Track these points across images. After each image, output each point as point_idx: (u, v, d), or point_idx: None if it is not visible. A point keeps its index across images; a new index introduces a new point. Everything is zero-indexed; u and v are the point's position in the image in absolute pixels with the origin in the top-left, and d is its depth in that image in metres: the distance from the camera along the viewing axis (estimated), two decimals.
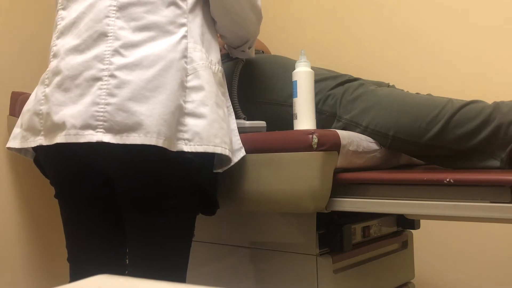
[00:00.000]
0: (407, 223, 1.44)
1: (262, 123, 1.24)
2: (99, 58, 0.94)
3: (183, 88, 0.96)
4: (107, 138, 0.90)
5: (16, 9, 1.81)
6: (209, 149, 0.96)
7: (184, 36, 1.00)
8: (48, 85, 0.99)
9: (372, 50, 1.94)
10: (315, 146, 1.02)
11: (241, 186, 1.11)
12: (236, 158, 1.07)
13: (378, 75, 1.63)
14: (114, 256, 1.09)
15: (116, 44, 0.95)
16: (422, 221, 1.53)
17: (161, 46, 0.96)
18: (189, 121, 0.96)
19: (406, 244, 1.46)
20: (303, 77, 1.16)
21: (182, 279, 1.04)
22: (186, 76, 0.97)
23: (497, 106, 1.13)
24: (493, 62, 1.69)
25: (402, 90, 1.34)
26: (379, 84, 1.39)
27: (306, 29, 2.12)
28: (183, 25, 1.01)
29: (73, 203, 1.08)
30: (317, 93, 1.23)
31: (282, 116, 1.29)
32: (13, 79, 1.78)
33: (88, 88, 0.93)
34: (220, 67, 1.10)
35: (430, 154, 1.19)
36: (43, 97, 1.00)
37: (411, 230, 1.49)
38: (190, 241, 1.07)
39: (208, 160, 1.01)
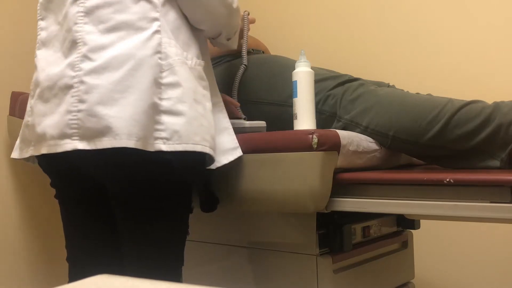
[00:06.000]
0: (407, 223, 1.44)
1: (262, 123, 1.24)
2: (71, 66, 0.94)
3: (158, 85, 0.94)
4: (82, 145, 0.91)
5: (17, 9, 1.81)
6: (189, 147, 0.94)
7: (157, 31, 0.97)
8: (32, 97, 1.01)
9: (372, 50, 1.94)
10: (315, 146, 1.02)
11: (241, 186, 1.11)
12: (231, 157, 1.06)
13: (378, 75, 1.63)
14: (113, 256, 1.09)
15: (84, 49, 0.94)
16: (422, 221, 1.53)
17: (130, 44, 0.94)
18: (166, 119, 0.93)
19: (406, 244, 1.46)
20: (303, 77, 1.16)
21: (177, 278, 1.05)
22: (161, 72, 0.95)
23: (497, 106, 1.13)
24: (493, 62, 1.69)
25: (402, 90, 1.34)
26: (379, 84, 1.39)
27: (306, 29, 2.12)
28: (155, 19, 0.97)
29: (72, 204, 1.09)
30: (317, 93, 1.23)
31: (282, 116, 1.29)
32: (13, 79, 1.77)
33: (63, 97, 0.93)
34: (199, 61, 1.05)
35: (430, 154, 1.19)
36: (29, 109, 1.02)
37: (411, 230, 1.49)
38: (181, 241, 1.06)
39: (195, 158, 0.99)
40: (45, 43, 1.02)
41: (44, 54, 1.01)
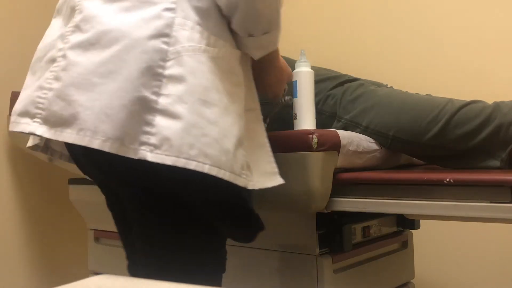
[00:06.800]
0: (407, 223, 1.45)
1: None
2: (62, 37, 0.80)
3: (155, 75, 0.74)
4: (41, 130, 0.76)
5: (17, 9, 1.81)
6: (180, 162, 0.72)
7: (170, 9, 0.77)
8: None
9: (372, 50, 1.94)
10: (315, 146, 1.02)
11: None
12: (269, 183, 0.85)
13: (378, 75, 1.63)
14: None
15: (79, 18, 0.78)
16: (422, 221, 1.53)
17: (130, 19, 0.76)
18: (160, 121, 0.73)
19: (406, 244, 1.46)
20: (303, 77, 1.16)
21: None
22: (165, 61, 0.75)
23: (497, 106, 1.13)
24: (493, 62, 1.69)
25: (401, 90, 1.34)
26: (378, 85, 1.39)
27: (306, 29, 2.12)
28: None
29: (113, 203, 1.00)
30: (317, 94, 1.23)
31: (282, 116, 1.29)
32: (13, 79, 1.78)
33: (44, 71, 0.80)
34: (234, 50, 0.84)
35: (430, 154, 1.19)
36: None
37: (411, 230, 1.49)
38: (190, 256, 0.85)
39: (197, 176, 0.75)
40: (58, 10, 0.88)
41: (54, 23, 0.87)
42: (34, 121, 0.77)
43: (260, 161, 0.86)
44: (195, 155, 0.73)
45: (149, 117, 0.73)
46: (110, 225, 1.12)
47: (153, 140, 0.72)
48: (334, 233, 1.18)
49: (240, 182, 0.78)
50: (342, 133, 1.10)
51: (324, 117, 1.27)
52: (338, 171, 1.08)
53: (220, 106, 0.77)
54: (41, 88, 0.78)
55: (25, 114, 0.79)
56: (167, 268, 0.84)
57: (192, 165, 0.73)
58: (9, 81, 1.76)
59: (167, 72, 0.75)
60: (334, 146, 1.06)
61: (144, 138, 0.73)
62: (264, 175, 0.85)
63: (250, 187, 0.81)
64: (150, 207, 0.82)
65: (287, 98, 1.12)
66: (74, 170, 1.56)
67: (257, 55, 0.89)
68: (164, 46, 0.75)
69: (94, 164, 0.83)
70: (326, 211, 1.08)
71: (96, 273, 1.38)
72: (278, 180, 0.86)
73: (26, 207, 1.78)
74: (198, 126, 0.74)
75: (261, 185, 0.84)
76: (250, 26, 0.82)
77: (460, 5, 1.76)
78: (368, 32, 1.95)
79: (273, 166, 0.87)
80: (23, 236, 1.76)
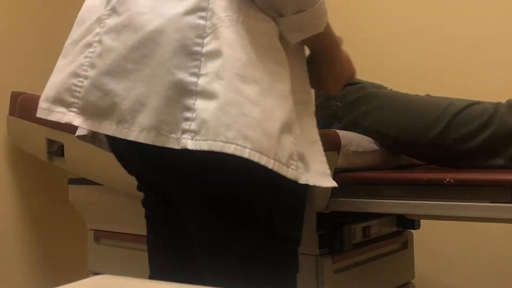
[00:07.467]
0: (407, 223, 1.45)
1: None
2: (99, 20, 0.74)
3: (191, 54, 0.66)
4: (78, 121, 0.72)
5: (17, 9, 1.81)
6: (216, 146, 0.64)
7: None
8: None
9: (372, 50, 1.94)
10: None
11: None
12: (323, 183, 0.74)
13: (378, 75, 1.63)
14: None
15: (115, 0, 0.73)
16: (422, 221, 1.53)
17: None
18: (199, 104, 0.66)
19: (406, 244, 1.46)
20: None
21: None
22: (202, 37, 0.67)
23: (499, 106, 1.13)
24: (493, 62, 1.69)
25: (400, 92, 1.35)
26: (379, 87, 1.39)
27: None
28: None
29: (155, 202, 0.93)
30: (317, 97, 1.23)
31: None
32: (13, 79, 1.78)
33: (79, 56, 0.74)
34: (272, 25, 0.72)
35: (432, 154, 1.19)
36: None
37: (411, 230, 1.49)
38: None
39: (239, 162, 0.64)
40: None
41: (89, 3, 0.80)
42: (70, 111, 0.73)
43: (311, 159, 0.74)
44: (233, 137, 0.64)
45: (189, 102, 0.66)
46: (110, 225, 1.13)
47: (193, 126, 0.65)
48: (334, 233, 1.18)
49: (287, 173, 0.68)
50: (342, 133, 1.10)
51: (324, 119, 1.27)
52: (338, 171, 1.08)
53: (261, 85, 0.68)
54: (76, 75, 0.73)
55: (60, 102, 0.74)
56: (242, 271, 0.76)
57: (230, 149, 0.63)
58: (9, 81, 1.76)
59: (205, 49, 0.67)
60: (334, 146, 1.06)
61: (186, 125, 0.66)
62: (316, 173, 0.74)
63: (302, 181, 0.70)
64: (206, 209, 0.75)
65: (334, 102, 1.00)
66: (74, 170, 1.56)
67: (292, 39, 0.76)
68: (201, 21, 0.67)
69: (145, 161, 0.77)
70: (326, 211, 1.08)
71: (96, 273, 1.38)
72: (332, 182, 0.75)
73: (26, 207, 1.78)
74: (236, 104, 0.65)
75: (315, 182, 0.72)
76: (275, 2, 0.70)
77: (460, 5, 1.76)
78: (368, 32, 1.95)
79: (325, 167, 0.75)
80: (23, 236, 1.76)
